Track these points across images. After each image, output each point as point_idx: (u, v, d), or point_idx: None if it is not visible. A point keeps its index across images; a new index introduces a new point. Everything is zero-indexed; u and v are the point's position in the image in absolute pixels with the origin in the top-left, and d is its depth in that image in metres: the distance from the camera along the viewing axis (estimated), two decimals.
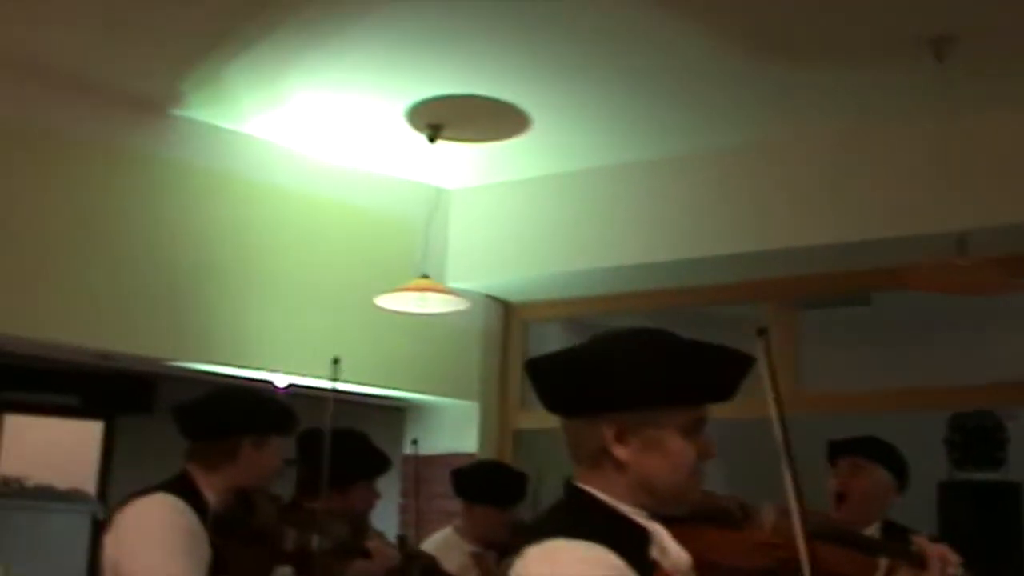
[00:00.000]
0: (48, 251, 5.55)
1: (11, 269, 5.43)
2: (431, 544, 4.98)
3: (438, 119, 5.83)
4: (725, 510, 2.57)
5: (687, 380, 2.14)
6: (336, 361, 3.83)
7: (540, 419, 7.10)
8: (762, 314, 6.51)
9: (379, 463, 4.51)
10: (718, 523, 2.49)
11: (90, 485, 9.96)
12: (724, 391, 2.19)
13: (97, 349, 5.86)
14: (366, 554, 3.87)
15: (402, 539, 4.33)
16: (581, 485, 2.14)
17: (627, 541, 2.05)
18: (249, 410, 3.63)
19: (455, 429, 6.89)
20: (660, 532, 2.12)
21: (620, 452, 2.11)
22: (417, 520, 5.33)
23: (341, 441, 4.19)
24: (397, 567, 4.11)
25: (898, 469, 4.44)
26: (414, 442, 4.90)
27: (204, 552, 3.36)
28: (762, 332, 2.80)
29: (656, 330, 2.20)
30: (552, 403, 2.21)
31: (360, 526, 4.15)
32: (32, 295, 5.48)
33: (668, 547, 2.10)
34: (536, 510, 5.21)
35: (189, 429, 3.61)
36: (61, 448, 10.28)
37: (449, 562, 4.68)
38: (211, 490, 3.50)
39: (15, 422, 10.34)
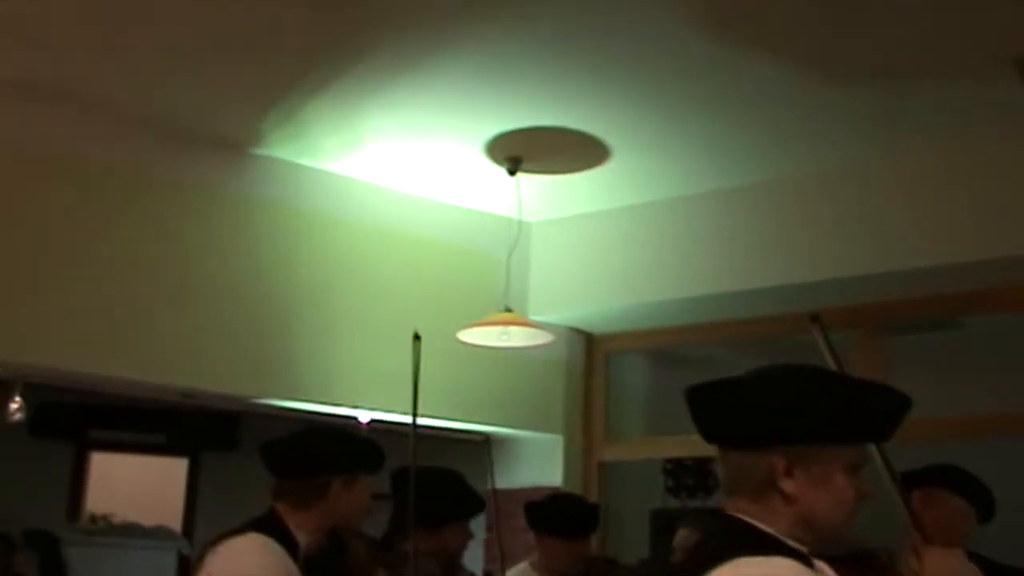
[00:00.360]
0: (133, 291, 5.60)
1: (97, 310, 5.48)
2: None
3: (517, 152, 5.82)
4: (873, 552, 2.54)
5: (860, 417, 2.14)
6: (417, 338, 3.72)
7: (625, 451, 7.15)
8: (849, 341, 6.42)
9: (474, 503, 4.50)
10: (866, 565, 2.45)
11: (175, 522, 10.04)
12: (888, 431, 2.19)
13: (182, 388, 5.89)
14: None
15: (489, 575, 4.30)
16: (739, 515, 2.13)
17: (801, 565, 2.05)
18: (339, 449, 3.61)
19: (539, 462, 6.86)
20: (824, 568, 2.13)
21: (788, 485, 2.10)
22: (502, 555, 5.29)
23: (436, 480, 4.26)
24: None
25: (976, 498, 4.30)
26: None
27: None
28: (815, 319, 2.79)
29: (820, 367, 2.21)
30: (717, 432, 2.20)
31: (452, 566, 4.14)
32: (118, 335, 5.53)
33: None
34: (612, 539, 5.17)
35: (278, 467, 3.59)
36: (147, 485, 10.39)
37: None
38: (301, 529, 3.48)
39: (102, 460, 10.48)
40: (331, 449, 3.60)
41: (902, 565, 2.58)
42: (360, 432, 3.74)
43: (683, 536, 4.84)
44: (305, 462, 3.56)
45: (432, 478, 4.26)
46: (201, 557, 3.47)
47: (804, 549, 2.10)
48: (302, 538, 3.47)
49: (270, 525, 3.46)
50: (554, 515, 5.10)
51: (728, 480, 2.18)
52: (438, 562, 3.87)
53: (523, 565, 5.01)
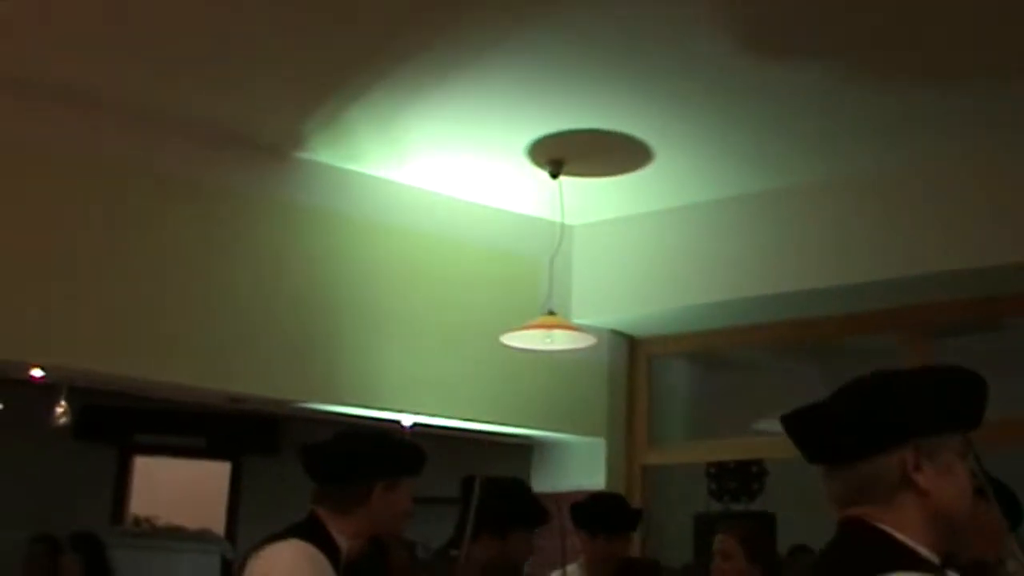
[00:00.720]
0: (178, 295, 5.64)
1: (144, 314, 5.52)
2: None
3: (559, 154, 5.81)
4: (984, 562, 2.54)
5: (968, 403, 2.19)
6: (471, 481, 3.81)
7: (667, 455, 7.12)
8: (894, 344, 6.39)
9: (539, 513, 4.55)
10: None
11: (218, 525, 10.10)
12: (981, 416, 2.21)
13: (225, 392, 5.91)
14: None
15: None
16: (875, 523, 2.12)
17: None
18: (380, 453, 3.59)
19: (582, 466, 6.84)
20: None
21: (920, 478, 2.10)
22: (564, 554, 5.28)
23: (505, 488, 4.36)
24: None
25: (1003, 505, 4.25)
26: None
27: None
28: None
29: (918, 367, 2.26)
30: (833, 449, 2.19)
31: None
32: (164, 339, 5.57)
33: None
34: (656, 543, 5.17)
35: (318, 472, 3.57)
36: (190, 489, 10.44)
37: None
38: (342, 534, 3.46)
39: (146, 464, 10.56)
40: (372, 453, 3.58)
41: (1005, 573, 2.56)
42: (402, 436, 3.71)
43: (720, 540, 4.86)
44: (346, 467, 3.54)
45: (500, 486, 4.41)
46: (243, 563, 3.45)
47: (937, 560, 2.10)
48: (343, 543, 3.46)
49: (311, 531, 3.45)
50: (595, 512, 5.12)
51: (851, 492, 2.15)
52: (481, 571, 3.85)
53: (572, 567, 5.00)
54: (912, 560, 2.06)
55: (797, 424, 2.22)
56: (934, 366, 2.24)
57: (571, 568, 5.08)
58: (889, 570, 2.01)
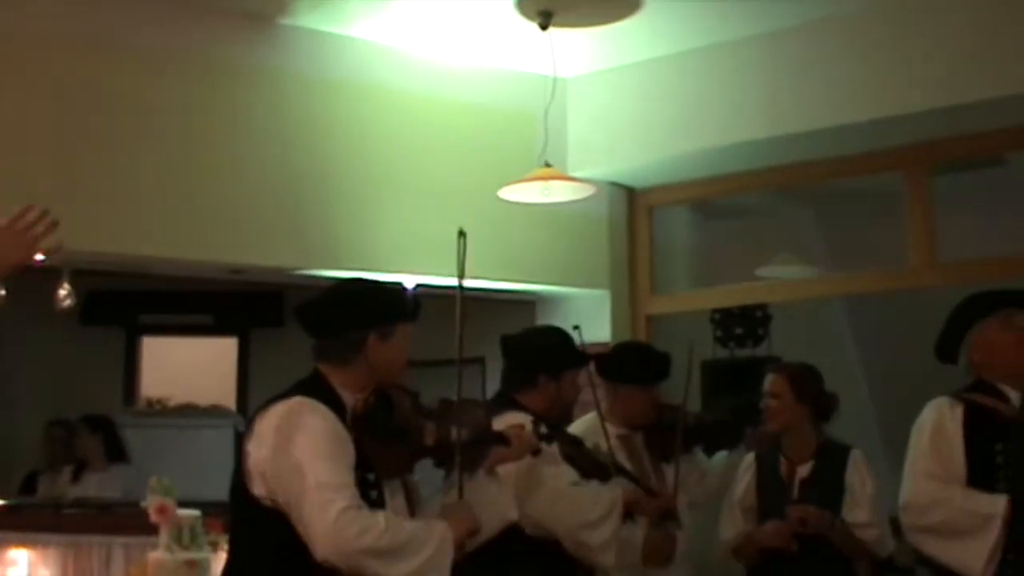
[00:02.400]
0: (172, 170, 5.65)
1: (135, 193, 5.54)
2: (576, 429, 5.00)
3: (548, 5, 5.74)
4: None
5: None
6: (462, 234, 3.68)
7: (672, 303, 7.15)
8: (895, 183, 6.37)
9: (583, 355, 4.83)
10: None
11: (229, 400, 10.21)
12: None
13: (227, 263, 5.96)
14: (504, 441, 3.85)
15: (535, 422, 4.33)
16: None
17: None
18: (370, 300, 3.59)
19: (587, 319, 6.82)
20: None
21: None
22: (598, 406, 5.31)
23: (551, 333, 4.87)
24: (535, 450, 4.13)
25: None
26: (576, 328, 4.91)
27: (349, 453, 3.36)
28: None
29: None
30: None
31: (566, 418, 4.69)
32: (158, 215, 5.59)
33: None
34: (664, 394, 5.20)
35: (313, 327, 3.58)
36: (199, 366, 10.53)
37: (594, 446, 4.72)
38: (345, 388, 3.49)
39: (154, 344, 10.63)
40: (362, 302, 3.59)
41: None
42: (394, 284, 3.68)
43: (770, 381, 4.98)
44: (338, 317, 3.55)
45: (546, 331, 4.98)
46: (251, 424, 3.48)
47: None
48: (347, 397, 3.49)
49: (314, 386, 3.48)
50: (628, 364, 5.14)
51: None
52: (483, 409, 3.87)
53: (591, 416, 5.03)
54: None
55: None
56: None
57: (589, 417, 5.09)
58: None
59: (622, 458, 4.89)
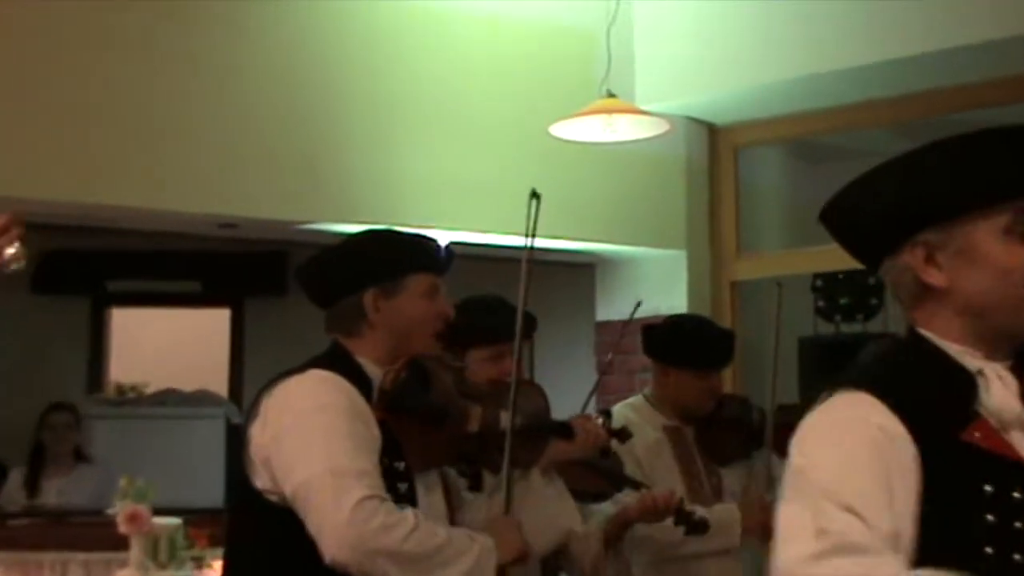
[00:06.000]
0: (145, 99, 5.67)
1: (103, 125, 5.57)
2: (618, 415, 5.04)
3: None
4: None
5: (991, 171, 2.26)
6: (535, 195, 3.62)
7: (763, 266, 7.15)
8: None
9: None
10: None
11: (220, 385, 10.22)
12: None
13: (216, 215, 6.02)
14: (567, 433, 3.88)
15: (607, 414, 4.35)
16: (918, 329, 2.31)
17: (946, 390, 2.23)
18: (361, 253, 3.62)
19: (658, 285, 6.89)
20: (993, 374, 2.25)
21: (933, 277, 2.26)
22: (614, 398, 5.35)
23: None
24: (604, 448, 4.14)
25: None
26: (639, 304, 4.89)
27: (372, 435, 3.36)
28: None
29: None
30: (855, 251, 2.41)
31: None
32: (134, 156, 5.63)
33: (994, 391, 2.23)
34: (749, 377, 5.18)
35: (311, 293, 3.64)
36: (183, 344, 10.56)
37: (639, 436, 4.71)
38: (369, 362, 3.50)
39: (125, 317, 10.63)
40: (353, 256, 3.62)
41: None
42: (395, 232, 3.63)
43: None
44: (330, 279, 3.59)
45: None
46: (255, 404, 3.46)
47: (978, 355, 2.25)
48: (374, 372, 3.50)
49: (334, 360, 3.49)
50: (680, 340, 5.14)
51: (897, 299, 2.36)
52: (542, 394, 3.89)
53: (637, 399, 5.08)
54: (929, 363, 2.28)
55: (825, 217, 2.42)
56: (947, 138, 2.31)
57: (635, 400, 5.13)
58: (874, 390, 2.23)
59: (666, 455, 4.93)
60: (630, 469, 4.57)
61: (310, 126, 6.02)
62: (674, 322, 5.49)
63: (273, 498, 3.34)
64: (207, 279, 10.23)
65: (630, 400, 5.13)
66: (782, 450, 4.95)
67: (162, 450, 9.19)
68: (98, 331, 10.48)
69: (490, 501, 3.69)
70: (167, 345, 10.50)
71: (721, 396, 5.13)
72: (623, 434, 4.38)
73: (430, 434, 3.50)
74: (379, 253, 3.60)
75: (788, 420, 4.91)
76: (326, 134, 6.06)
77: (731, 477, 5.05)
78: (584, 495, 4.28)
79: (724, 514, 4.75)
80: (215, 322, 10.47)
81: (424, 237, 3.69)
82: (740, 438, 5.04)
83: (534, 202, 3.64)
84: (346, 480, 3.19)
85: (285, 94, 5.98)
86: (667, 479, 4.78)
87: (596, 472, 4.27)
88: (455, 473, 3.72)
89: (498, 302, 4.29)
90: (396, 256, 3.59)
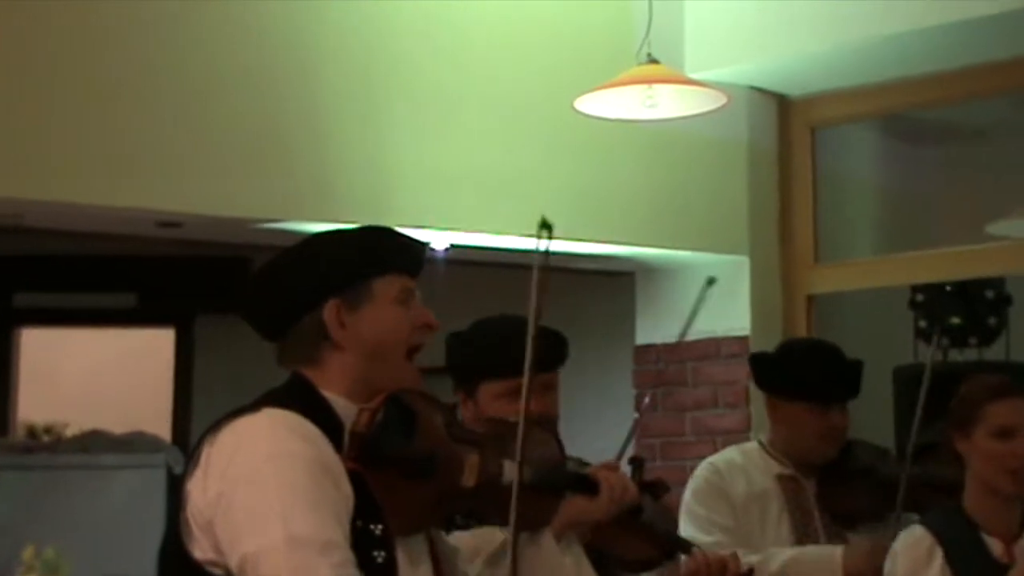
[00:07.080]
0: (71, 78, 5.72)
1: (14, 108, 5.61)
2: (723, 462, 5.12)
3: None
4: None
5: None
6: (546, 227, 3.49)
7: (848, 277, 7.18)
8: None
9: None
10: None
11: (162, 425, 10.22)
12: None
13: (157, 211, 6.04)
14: (589, 487, 3.92)
15: (637, 464, 4.41)
16: None
17: None
18: (314, 259, 3.53)
19: (714, 300, 6.85)
20: None
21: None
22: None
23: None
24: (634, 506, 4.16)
25: None
26: (711, 281, 4.88)
27: (342, 493, 3.30)
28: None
29: None
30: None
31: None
32: (53, 142, 5.67)
33: None
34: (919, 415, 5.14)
35: (261, 325, 3.56)
36: (112, 374, 10.57)
37: (747, 485, 4.85)
38: (338, 397, 3.46)
39: (38, 340, 10.62)
40: (304, 266, 3.52)
41: None
42: (356, 230, 3.56)
43: (1009, 409, 4.76)
44: (279, 298, 3.52)
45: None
46: (195, 452, 3.38)
47: None
48: (342, 409, 3.47)
49: (293, 395, 3.44)
50: (788, 366, 5.27)
51: None
52: (555, 439, 3.93)
53: (749, 443, 5.18)
54: None
55: None
56: None
57: (748, 446, 5.23)
58: None
59: (774, 508, 5.02)
60: (722, 520, 4.67)
61: (276, 100, 6.06)
62: (785, 346, 5.64)
63: (216, 572, 3.27)
64: (144, 291, 10.19)
65: (742, 446, 5.23)
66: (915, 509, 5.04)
67: (83, 510, 9.20)
68: (3, 357, 10.50)
69: (492, 571, 3.73)
70: (92, 375, 10.49)
71: (849, 441, 5.21)
72: (658, 488, 4.45)
73: (415, 489, 3.48)
74: (335, 255, 3.53)
75: (928, 474, 4.95)
76: (297, 110, 6.10)
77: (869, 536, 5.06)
78: (628, 564, 4.35)
79: (818, 556, 4.84)
80: (155, 345, 10.47)
81: (387, 229, 3.62)
82: (873, 495, 5.08)
83: (544, 234, 3.56)
84: (306, 554, 3.13)
85: (243, 58, 6.02)
86: (770, 537, 4.91)
87: (638, 534, 4.29)
88: (445, 535, 3.71)
89: (515, 324, 4.19)
90: (356, 256, 3.54)
